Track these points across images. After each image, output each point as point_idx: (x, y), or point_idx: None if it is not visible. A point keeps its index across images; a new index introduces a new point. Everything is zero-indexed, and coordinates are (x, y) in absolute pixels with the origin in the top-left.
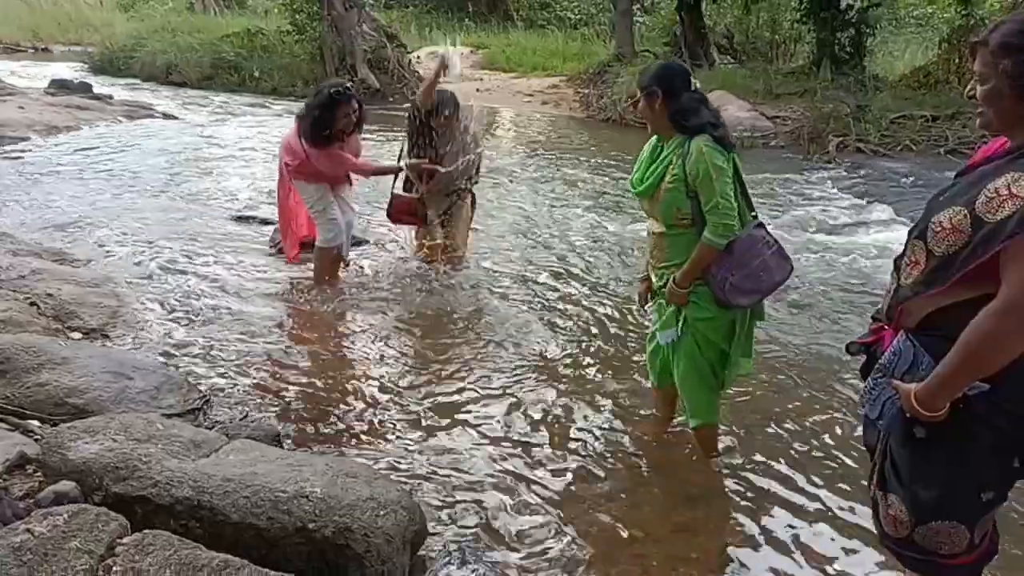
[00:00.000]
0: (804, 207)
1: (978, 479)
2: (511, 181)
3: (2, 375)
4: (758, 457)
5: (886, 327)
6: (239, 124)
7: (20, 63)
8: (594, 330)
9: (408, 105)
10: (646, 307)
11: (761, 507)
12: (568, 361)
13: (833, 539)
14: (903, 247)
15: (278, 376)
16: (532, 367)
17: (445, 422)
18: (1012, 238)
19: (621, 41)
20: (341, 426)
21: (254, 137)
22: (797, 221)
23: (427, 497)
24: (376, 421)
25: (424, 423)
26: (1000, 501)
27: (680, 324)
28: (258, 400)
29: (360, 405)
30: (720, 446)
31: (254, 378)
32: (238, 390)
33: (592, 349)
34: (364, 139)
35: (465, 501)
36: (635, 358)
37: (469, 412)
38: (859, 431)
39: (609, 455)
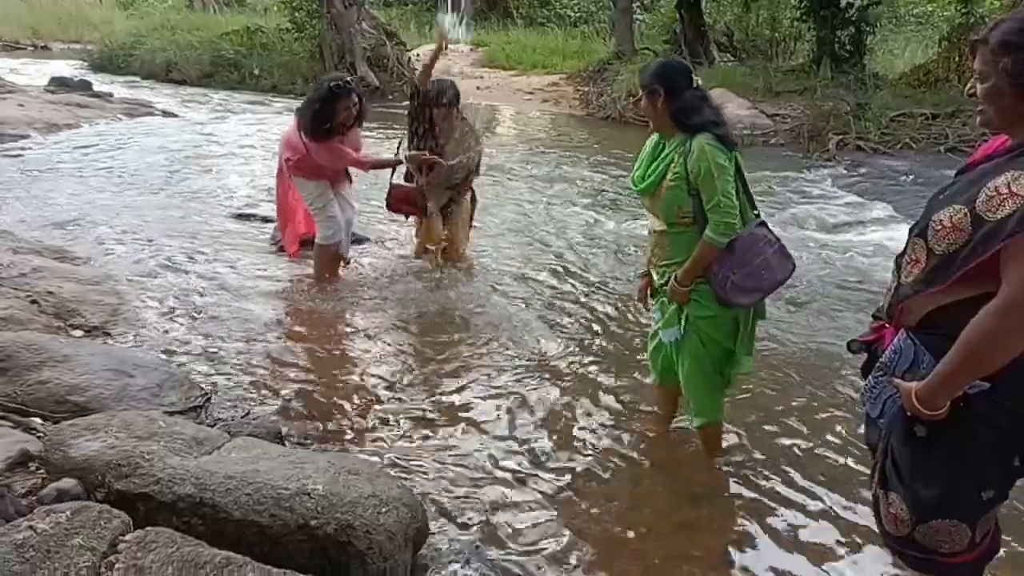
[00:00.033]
0: (804, 205)
1: (979, 478)
2: (511, 179)
3: (3, 373)
4: (759, 456)
5: (887, 325)
6: (239, 122)
7: (20, 61)
8: (595, 328)
9: (409, 91)
10: (648, 305)
11: (762, 505)
12: (569, 359)
13: (835, 538)
14: (904, 245)
15: (280, 374)
16: (533, 365)
17: (446, 419)
18: (1012, 237)
19: (621, 39)
20: (343, 423)
21: (254, 135)
22: (797, 219)
23: (429, 494)
24: (377, 418)
25: (425, 420)
26: (1001, 500)
27: (683, 323)
28: (260, 398)
29: (361, 403)
30: (722, 444)
31: (256, 376)
32: (240, 388)
33: (593, 347)
34: (364, 136)
35: (467, 498)
36: (636, 355)
37: (470, 409)
38: (860, 429)
39: (610, 453)
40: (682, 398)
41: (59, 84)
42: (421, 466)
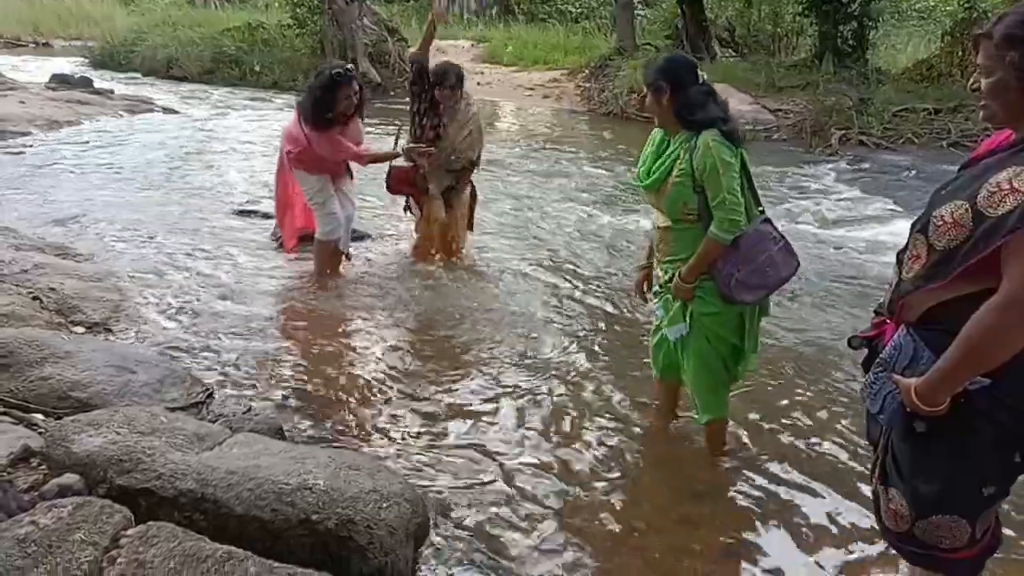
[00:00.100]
0: (806, 200)
1: (979, 473)
2: (511, 174)
3: (5, 369)
4: (760, 451)
5: (888, 321)
6: (240, 118)
7: (21, 58)
8: (593, 323)
9: (410, 65)
10: (645, 298)
11: (763, 501)
12: (570, 354)
13: (835, 534)
14: (905, 241)
15: (281, 369)
16: (532, 361)
17: (447, 415)
18: (1013, 233)
19: (622, 35)
20: (343, 419)
21: (255, 131)
22: (798, 214)
23: (430, 490)
24: (378, 414)
25: (426, 416)
26: (1002, 496)
27: (688, 319)
28: (261, 393)
29: (362, 398)
30: (726, 441)
31: (257, 371)
32: (241, 383)
33: (592, 342)
34: (365, 133)
35: (468, 493)
36: (636, 351)
37: (471, 405)
38: (861, 425)
39: (611, 448)
40: (683, 393)
41: (60, 81)
42: (422, 461)
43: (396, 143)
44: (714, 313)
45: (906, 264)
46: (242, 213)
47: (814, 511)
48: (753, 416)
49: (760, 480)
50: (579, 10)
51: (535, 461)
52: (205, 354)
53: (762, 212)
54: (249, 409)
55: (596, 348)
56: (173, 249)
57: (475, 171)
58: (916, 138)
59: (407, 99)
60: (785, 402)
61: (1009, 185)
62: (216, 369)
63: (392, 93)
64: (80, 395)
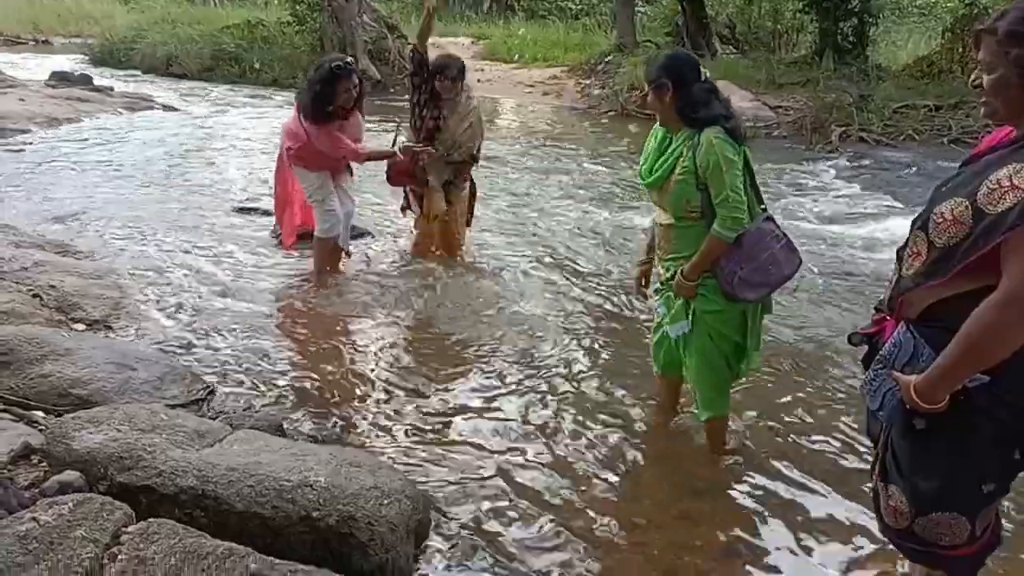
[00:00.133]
0: (806, 197)
1: (979, 471)
2: (511, 171)
3: (6, 366)
4: (760, 448)
5: (888, 318)
6: (240, 115)
7: (21, 55)
8: (595, 320)
9: (410, 55)
10: (644, 294)
11: (763, 497)
12: (569, 351)
13: (835, 531)
14: (906, 238)
15: (281, 367)
16: (533, 357)
17: (447, 412)
18: (1013, 230)
19: (622, 31)
20: (344, 416)
21: (255, 128)
22: (799, 211)
23: (431, 486)
24: (379, 411)
25: (426, 413)
26: (1002, 493)
27: (690, 317)
28: (262, 390)
29: (363, 395)
30: (727, 438)
31: (258, 368)
32: (242, 381)
33: (593, 339)
34: (365, 130)
35: (469, 489)
36: (635, 346)
37: (471, 402)
38: (862, 422)
39: (611, 444)
40: (684, 389)
41: (60, 78)
42: (422, 458)
43: (395, 140)
44: (717, 311)
45: (906, 261)
46: (242, 210)
47: (814, 508)
48: (753, 413)
49: (760, 477)
50: (579, 7)
51: (535, 458)
52: (205, 351)
53: (764, 210)
54: (249, 406)
55: (596, 345)
56: (173, 246)
57: (475, 166)
58: (916, 135)
59: (407, 96)
60: (785, 399)
61: (1009, 182)
62: (216, 366)
63: (392, 90)
64: (80, 392)
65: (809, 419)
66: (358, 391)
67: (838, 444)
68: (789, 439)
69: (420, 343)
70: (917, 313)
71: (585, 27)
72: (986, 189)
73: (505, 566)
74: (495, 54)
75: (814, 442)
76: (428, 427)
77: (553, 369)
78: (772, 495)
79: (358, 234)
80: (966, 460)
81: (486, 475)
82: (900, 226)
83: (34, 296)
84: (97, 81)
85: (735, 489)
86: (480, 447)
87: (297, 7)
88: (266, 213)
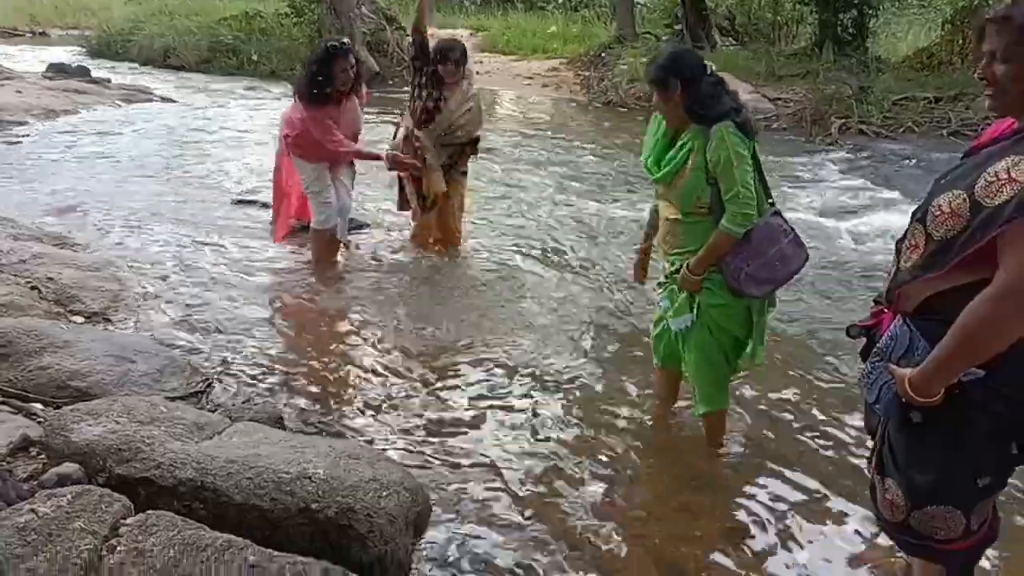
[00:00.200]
0: (805, 189)
1: (974, 464)
2: (509, 163)
3: (4, 359)
4: (758, 441)
5: (886, 310)
6: (238, 107)
7: (17, 47)
8: (593, 313)
9: (410, 38)
10: (642, 280)
11: (762, 490)
12: (567, 343)
13: (834, 523)
14: (905, 230)
15: (280, 359)
16: (531, 351)
17: (446, 403)
18: (1010, 223)
19: (622, 23)
20: (343, 408)
21: (253, 120)
22: (798, 203)
23: (430, 478)
24: (378, 404)
25: (426, 405)
26: (998, 488)
27: (694, 311)
28: (260, 383)
29: (362, 387)
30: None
31: (257, 361)
32: (241, 373)
33: (591, 332)
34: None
35: (467, 480)
36: (635, 340)
37: (470, 393)
38: (859, 414)
39: (611, 437)
40: (684, 382)
41: (57, 70)
42: (421, 450)
43: (396, 133)
44: (721, 305)
45: (904, 253)
46: (241, 202)
47: (813, 500)
48: (751, 406)
49: (759, 470)
50: None
51: (534, 449)
52: (204, 344)
53: (772, 204)
54: (248, 398)
55: (594, 338)
56: (172, 238)
57: (474, 157)
58: (916, 127)
59: (406, 88)
60: (782, 392)
61: (1007, 175)
62: (215, 359)
63: (391, 82)
64: (79, 384)
65: (807, 411)
66: (357, 383)
67: (837, 437)
68: (787, 431)
69: (419, 335)
70: (914, 306)
71: (584, 19)
72: (984, 182)
73: (504, 557)
74: (494, 46)
75: (813, 435)
76: (427, 419)
77: (551, 361)
78: (771, 487)
79: (356, 226)
80: (961, 454)
81: (485, 466)
82: (900, 218)
83: (32, 288)
84: (94, 73)
85: (734, 481)
86: (479, 439)
87: None
88: (265, 205)
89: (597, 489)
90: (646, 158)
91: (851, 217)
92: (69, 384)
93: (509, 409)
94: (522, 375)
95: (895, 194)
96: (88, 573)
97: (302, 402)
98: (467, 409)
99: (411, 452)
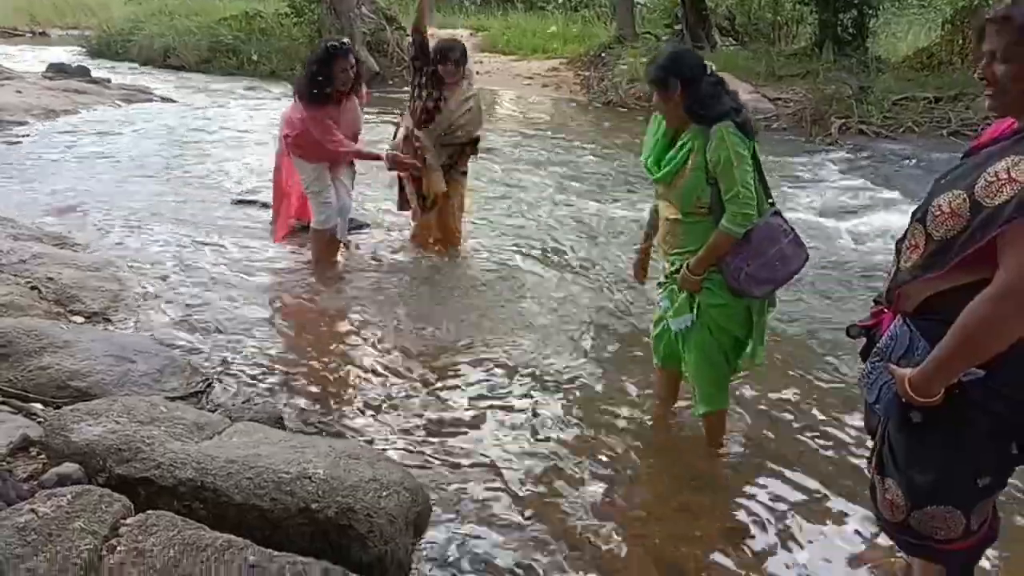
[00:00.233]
0: (805, 189)
1: (974, 464)
2: (508, 163)
3: (4, 359)
4: (758, 441)
5: (886, 310)
6: (238, 107)
7: (17, 47)
8: (592, 313)
9: (411, 37)
10: (642, 279)
11: (762, 490)
12: (567, 343)
13: (834, 523)
14: (905, 230)
15: (280, 359)
16: (533, 350)
17: (446, 404)
18: (1010, 223)
19: (622, 23)
20: (343, 408)
21: (253, 120)
22: (798, 203)
23: (430, 478)
24: (378, 404)
25: (426, 405)
26: (998, 488)
27: (694, 311)
28: (260, 383)
29: (362, 387)
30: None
31: (257, 361)
32: (241, 373)
33: (594, 330)
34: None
35: (467, 480)
36: (634, 340)
37: (470, 393)
38: (860, 414)
39: (611, 436)
40: (684, 382)
41: (57, 70)
42: (422, 450)
43: (396, 133)
44: (721, 305)
45: (904, 253)
46: (241, 202)
47: (813, 500)
48: (751, 406)
49: (759, 470)
50: None
51: (534, 450)
52: (204, 344)
53: (772, 204)
54: (248, 398)
55: (594, 338)
56: (172, 238)
57: (474, 158)
58: (916, 127)
59: (406, 88)
60: (782, 392)
61: (1007, 175)
62: (215, 359)
63: (391, 82)
64: (79, 384)
65: (807, 411)
66: (357, 383)
67: (837, 437)
68: (787, 431)
69: (419, 335)
70: (914, 306)
71: (584, 19)
72: (984, 182)
73: (504, 557)
74: (494, 46)
75: (813, 435)
76: (427, 419)
77: (550, 361)
78: (771, 488)
79: (357, 226)
80: (961, 454)
81: (485, 466)
82: (899, 218)
83: (32, 288)
84: (94, 73)
85: (734, 481)
86: (479, 439)
87: None
88: (265, 205)
89: (597, 489)
90: (646, 158)
91: (851, 217)
92: (69, 384)
93: (509, 409)
94: (522, 375)
95: (895, 194)
96: (88, 573)
97: (302, 402)
98: (467, 409)
99: (411, 452)
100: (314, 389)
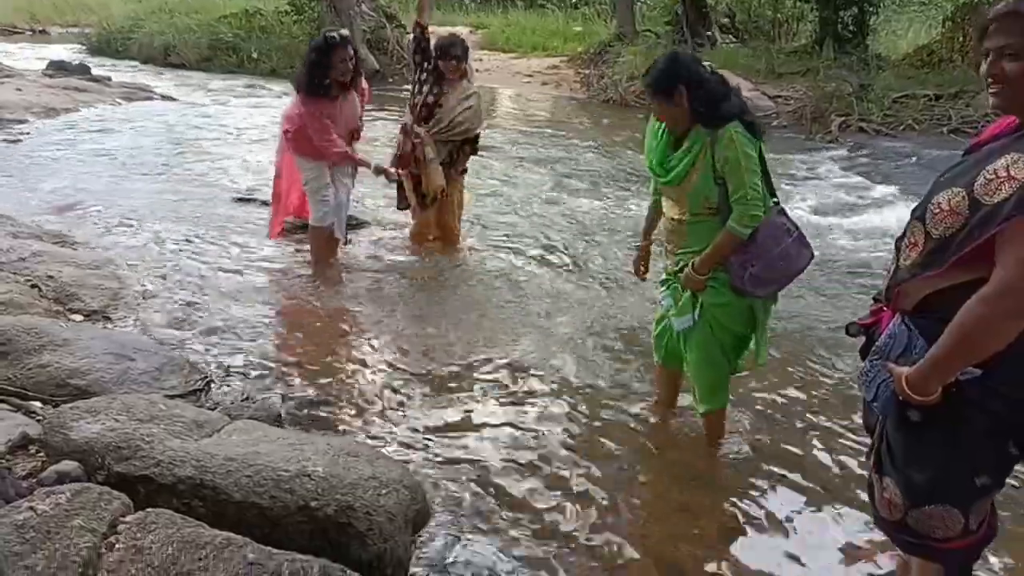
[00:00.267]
0: (806, 186)
1: (972, 463)
2: (508, 161)
3: (4, 357)
4: (758, 440)
5: (885, 308)
6: (238, 105)
7: (18, 45)
8: (596, 311)
9: (412, 32)
10: (642, 275)
11: (762, 489)
12: (570, 342)
13: (834, 522)
14: (904, 227)
15: (279, 357)
16: (533, 348)
17: (445, 402)
18: (1008, 221)
19: (622, 20)
20: (342, 406)
21: (253, 118)
22: (798, 201)
23: (429, 476)
24: (377, 401)
25: (425, 403)
26: (996, 487)
27: (696, 310)
28: (260, 381)
29: (361, 385)
30: (725, 430)
31: (256, 359)
32: (240, 371)
33: (594, 330)
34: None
35: (467, 480)
36: (634, 339)
37: (469, 392)
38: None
39: (611, 436)
40: (684, 381)
41: (57, 68)
42: (421, 448)
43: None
44: (724, 304)
45: (904, 251)
46: (241, 200)
47: (812, 500)
48: (751, 406)
49: (759, 470)
50: None
51: (533, 449)
52: (204, 342)
53: (776, 203)
54: (247, 396)
55: (594, 338)
56: (171, 237)
57: (474, 154)
58: (916, 124)
59: (406, 86)
60: (782, 391)
61: (1006, 173)
62: (215, 357)
63: (391, 80)
64: (78, 382)
65: (806, 410)
66: (356, 381)
67: (836, 436)
68: (788, 432)
69: (419, 335)
70: (913, 304)
71: (584, 16)
72: (983, 179)
73: (503, 555)
74: (494, 44)
75: (813, 435)
76: (426, 416)
77: (550, 361)
78: (771, 487)
79: (356, 224)
80: (959, 452)
81: (484, 466)
82: (900, 216)
83: (32, 286)
84: (95, 71)
85: (734, 481)
86: (478, 438)
87: None
88: (265, 203)
89: (597, 488)
90: (650, 161)
91: (851, 215)
92: (68, 382)
93: (508, 407)
94: (521, 374)
95: (895, 192)
96: (87, 570)
97: (301, 400)
98: (466, 407)
99: (410, 450)
100: (313, 387)
